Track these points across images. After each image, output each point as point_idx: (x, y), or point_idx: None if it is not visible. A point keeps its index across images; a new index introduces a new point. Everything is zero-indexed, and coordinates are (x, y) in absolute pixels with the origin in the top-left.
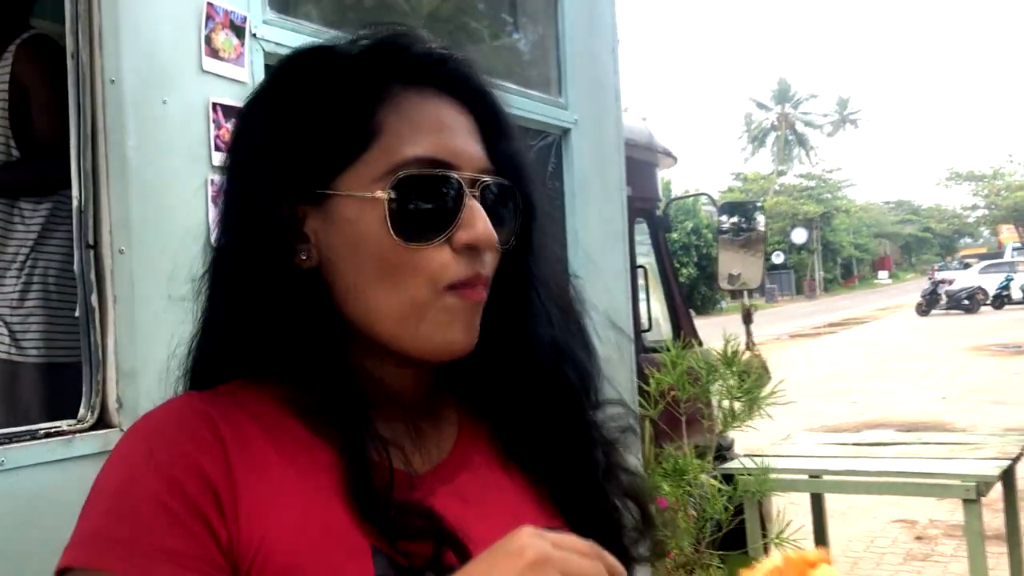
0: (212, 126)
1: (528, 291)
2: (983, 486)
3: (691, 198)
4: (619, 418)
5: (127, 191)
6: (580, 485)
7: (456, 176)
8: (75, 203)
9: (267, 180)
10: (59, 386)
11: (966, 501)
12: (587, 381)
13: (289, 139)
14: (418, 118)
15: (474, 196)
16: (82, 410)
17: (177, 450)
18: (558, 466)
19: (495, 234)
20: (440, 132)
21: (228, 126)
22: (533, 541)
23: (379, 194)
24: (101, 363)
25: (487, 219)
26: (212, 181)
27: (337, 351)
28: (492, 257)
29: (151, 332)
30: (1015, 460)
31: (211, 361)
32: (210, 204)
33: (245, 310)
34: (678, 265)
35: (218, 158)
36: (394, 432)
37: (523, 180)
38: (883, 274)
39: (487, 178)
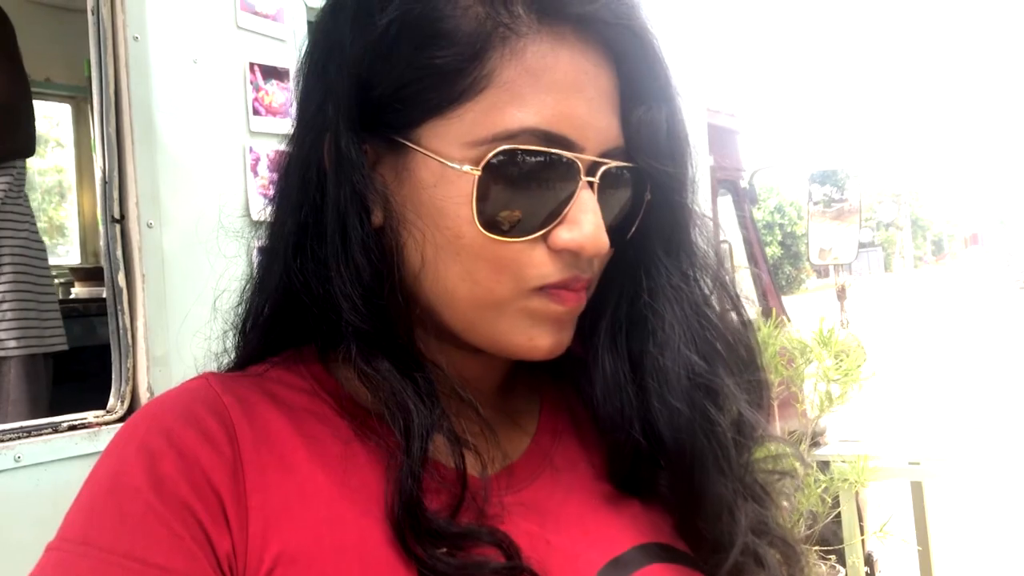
0: (250, 88)
1: (659, 303)
2: None
3: (777, 170)
4: (776, 459)
5: (155, 160)
6: (712, 550)
7: (575, 159)
8: (99, 173)
9: (338, 102)
10: (39, 378)
11: None
12: (742, 424)
13: (371, 59)
14: (544, 73)
15: (590, 184)
16: (111, 400)
17: (177, 445)
18: (686, 509)
19: (606, 240)
20: (568, 96)
21: (267, 88)
22: None
23: (468, 168)
24: (131, 348)
25: (599, 219)
26: (251, 149)
27: (402, 327)
28: (602, 260)
29: (184, 314)
30: None
31: (266, 326)
32: (249, 174)
33: (303, 266)
34: None
35: (257, 124)
36: (464, 429)
37: (658, 160)
38: (975, 250)
39: (612, 163)
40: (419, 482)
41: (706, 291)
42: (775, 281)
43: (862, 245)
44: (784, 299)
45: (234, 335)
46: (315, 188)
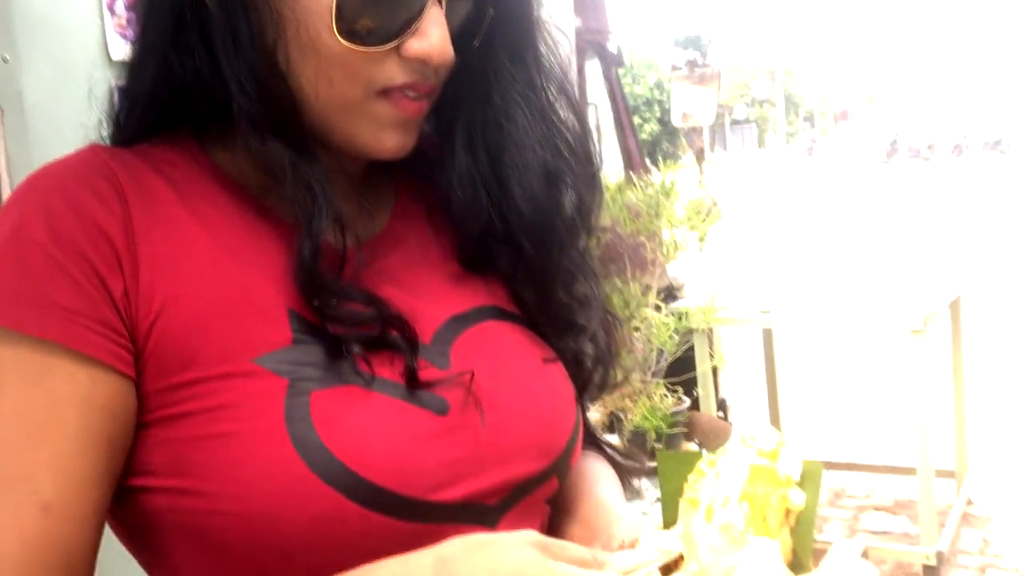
0: None
1: (510, 108)
2: (927, 318)
3: (645, 35)
4: (604, 245)
5: None
6: (552, 315)
7: None
8: None
9: None
10: None
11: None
12: (583, 207)
13: None
14: None
15: (439, 1)
16: None
17: (69, 201)
18: (531, 286)
19: (451, 50)
20: None
21: None
22: (529, 556)
23: None
24: None
25: (446, 32)
26: None
27: (291, 114)
28: (446, 70)
29: (46, 143)
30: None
31: (142, 115)
32: (106, 12)
33: (186, 59)
34: (640, 121)
35: None
36: (344, 210)
37: None
38: (843, 125)
39: None
40: (317, 249)
41: (552, 99)
42: (653, 158)
43: (737, 122)
44: (662, 173)
45: (109, 126)
46: None
